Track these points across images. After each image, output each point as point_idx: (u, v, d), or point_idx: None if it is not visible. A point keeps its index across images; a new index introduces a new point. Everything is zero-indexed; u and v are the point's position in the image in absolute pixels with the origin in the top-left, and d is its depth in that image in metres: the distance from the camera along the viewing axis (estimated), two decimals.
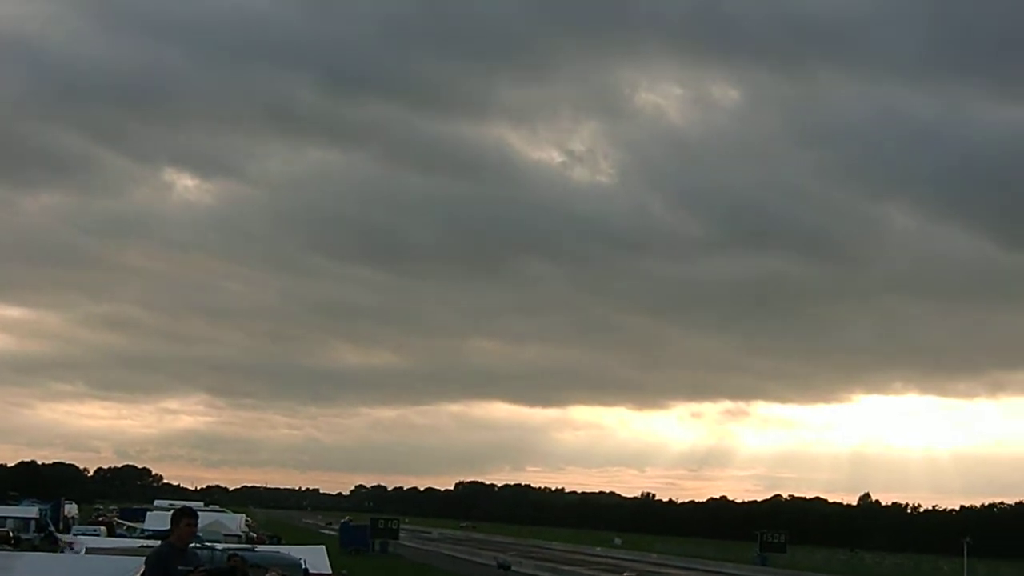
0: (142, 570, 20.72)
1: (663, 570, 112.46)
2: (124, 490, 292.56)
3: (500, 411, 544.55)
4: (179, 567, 11.04)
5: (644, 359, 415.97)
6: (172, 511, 12.40)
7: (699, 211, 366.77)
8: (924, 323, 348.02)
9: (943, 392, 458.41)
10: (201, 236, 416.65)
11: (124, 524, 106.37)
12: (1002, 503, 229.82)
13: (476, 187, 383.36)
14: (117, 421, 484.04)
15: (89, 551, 43.24)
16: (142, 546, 34.78)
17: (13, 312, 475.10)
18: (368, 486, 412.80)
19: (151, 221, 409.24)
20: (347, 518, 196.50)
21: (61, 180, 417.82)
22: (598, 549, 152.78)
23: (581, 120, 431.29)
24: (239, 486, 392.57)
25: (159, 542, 21.67)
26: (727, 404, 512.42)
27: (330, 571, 54.47)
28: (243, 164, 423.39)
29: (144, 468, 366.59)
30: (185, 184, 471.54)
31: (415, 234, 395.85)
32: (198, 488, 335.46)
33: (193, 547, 21.98)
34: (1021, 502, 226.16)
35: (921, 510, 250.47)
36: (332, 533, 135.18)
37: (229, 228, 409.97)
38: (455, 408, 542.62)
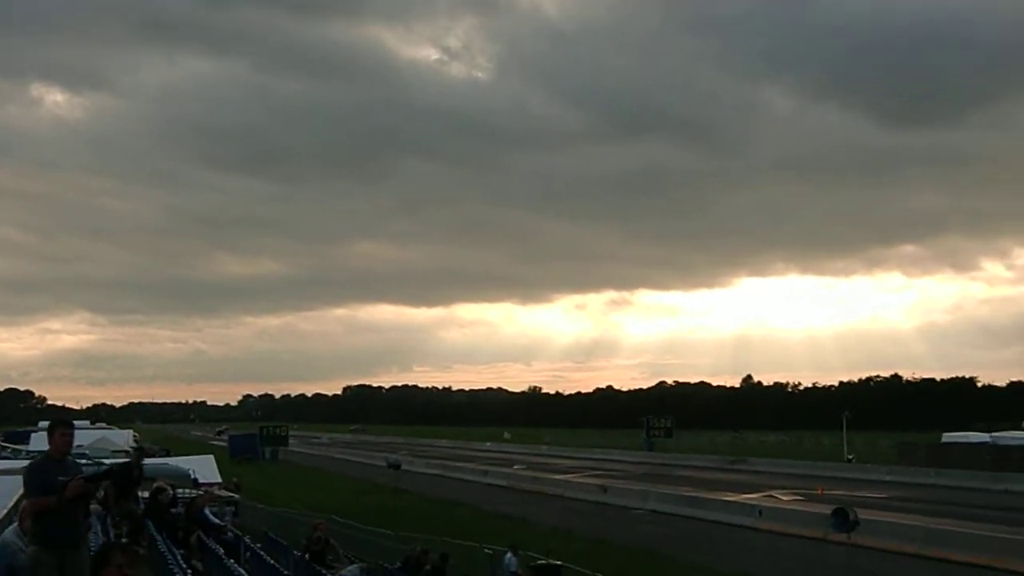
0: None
1: (553, 460, 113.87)
2: (6, 414, 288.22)
3: (386, 313, 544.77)
4: (59, 477, 10.97)
5: (527, 253, 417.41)
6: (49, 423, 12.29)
7: (579, 103, 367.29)
8: (803, 204, 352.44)
9: (822, 271, 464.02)
10: (74, 153, 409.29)
11: (8, 447, 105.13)
12: (878, 376, 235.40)
13: (353, 89, 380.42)
14: None
15: None
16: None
17: None
18: (256, 395, 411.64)
19: (20, 139, 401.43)
20: (224, 427, 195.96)
21: None
22: (488, 444, 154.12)
23: (457, 16, 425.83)
24: (125, 403, 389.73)
25: None
26: (611, 294, 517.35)
27: (219, 480, 54.68)
28: (115, 76, 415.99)
29: (27, 390, 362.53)
30: (55, 99, 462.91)
31: (294, 141, 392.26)
32: (84, 407, 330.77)
33: (85, 463, 21.89)
34: (896, 375, 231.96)
35: (802, 388, 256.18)
36: (222, 444, 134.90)
37: (103, 143, 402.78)
38: (340, 312, 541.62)
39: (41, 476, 11.19)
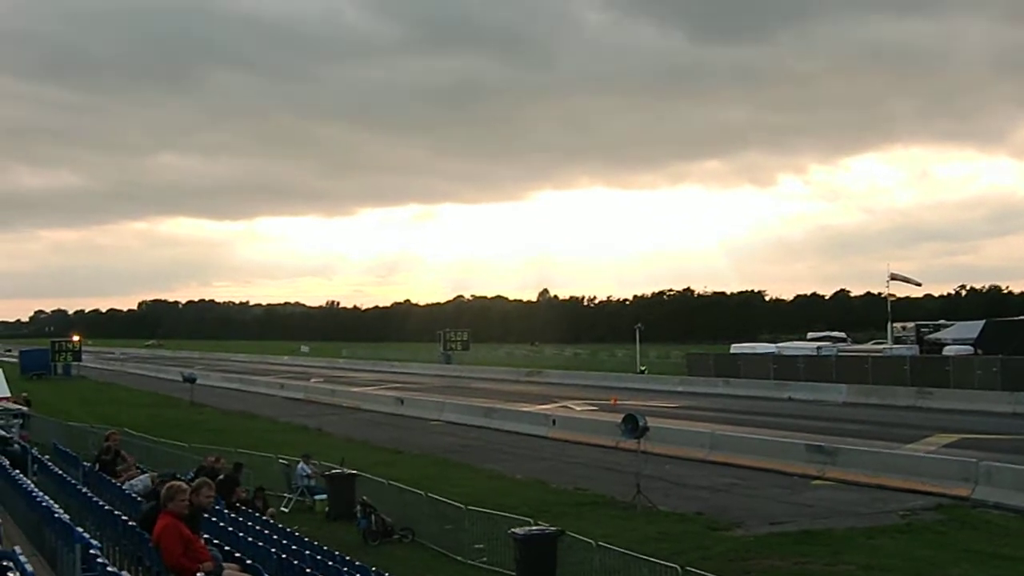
0: None
1: (351, 374, 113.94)
2: None
3: (186, 227, 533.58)
4: None
5: (334, 167, 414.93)
6: None
7: (393, 14, 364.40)
8: (611, 118, 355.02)
9: (628, 186, 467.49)
10: None
11: None
12: (671, 290, 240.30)
13: None
14: None
15: None
16: None
17: None
18: (48, 311, 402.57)
19: None
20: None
21: None
22: (285, 358, 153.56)
23: None
24: None
25: None
26: (415, 208, 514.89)
27: (8, 394, 53.48)
28: None
29: None
30: None
31: (96, 47, 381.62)
32: None
33: None
34: (688, 288, 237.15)
35: (597, 302, 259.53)
36: (13, 360, 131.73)
37: None
38: (140, 226, 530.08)
39: None
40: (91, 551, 11.55)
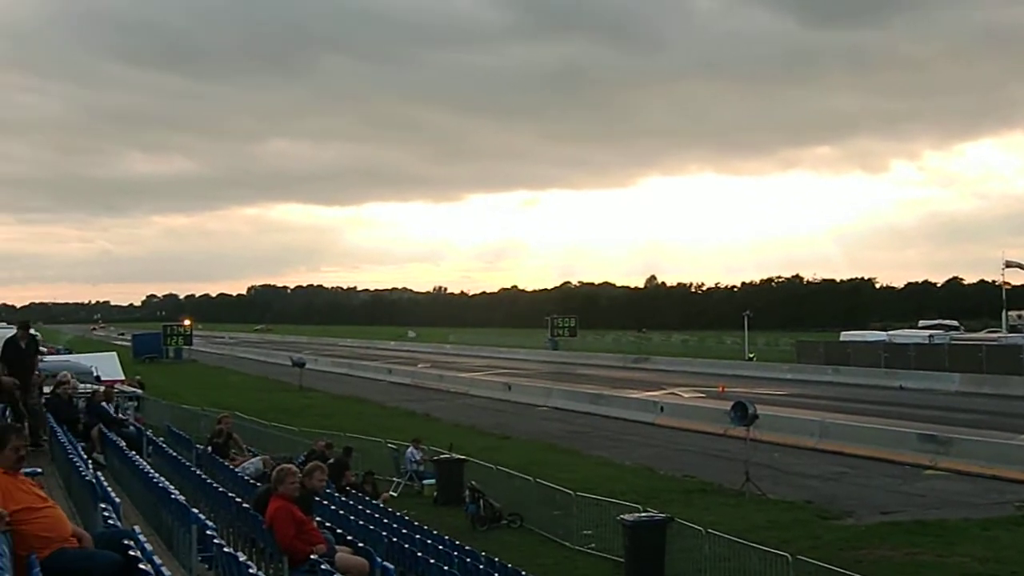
0: None
1: (458, 359, 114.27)
2: None
3: (296, 212, 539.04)
4: None
5: (442, 153, 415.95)
6: None
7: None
8: (721, 104, 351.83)
9: (737, 172, 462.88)
10: None
11: None
12: (780, 277, 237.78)
13: None
14: None
15: None
16: None
17: None
18: (160, 295, 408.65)
19: None
20: (97, 322, 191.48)
21: None
22: (392, 343, 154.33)
23: None
24: (27, 303, 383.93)
25: None
26: (524, 194, 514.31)
27: (123, 377, 54.43)
28: None
29: None
30: None
31: (211, 36, 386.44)
32: None
33: None
34: (797, 275, 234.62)
35: (704, 289, 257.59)
36: (126, 344, 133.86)
37: (9, 34, 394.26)
38: (251, 212, 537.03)
39: None
40: (207, 532, 11.69)
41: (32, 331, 24.43)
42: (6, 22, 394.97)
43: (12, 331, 23.26)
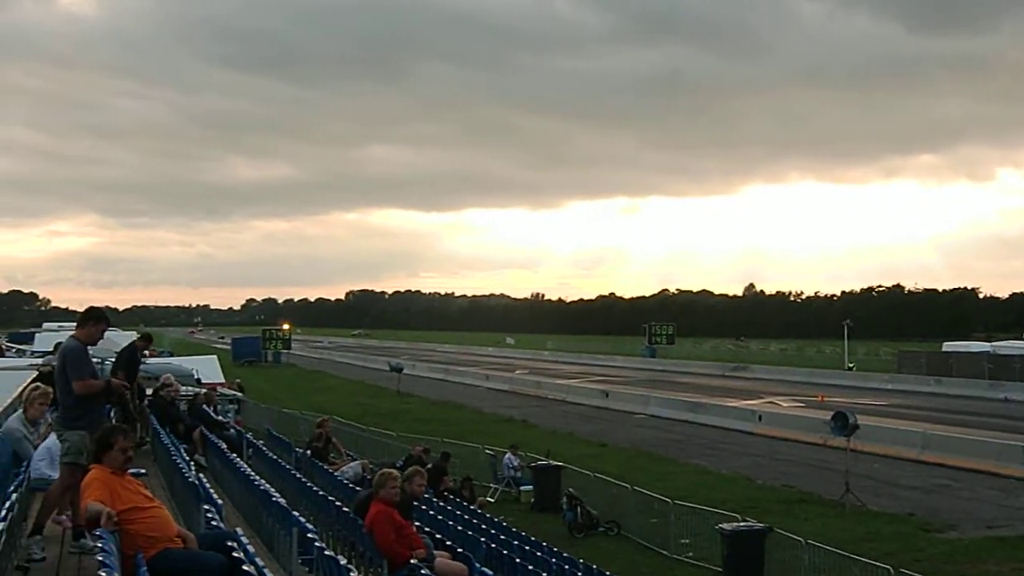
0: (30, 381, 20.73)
1: (555, 366, 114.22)
2: (12, 316, 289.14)
3: (396, 218, 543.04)
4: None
5: (541, 159, 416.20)
6: (85, 311, 12.31)
7: (603, 4, 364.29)
8: (823, 111, 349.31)
9: (839, 180, 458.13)
10: (87, 50, 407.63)
11: (13, 347, 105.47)
12: (880, 286, 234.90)
13: None
14: (4, 246, 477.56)
15: None
16: (30, 365, 34.65)
17: None
18: (259, 299, 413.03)
19: (35, 35, 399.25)
20: (196, 325, 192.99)
21: None
22: (490, 349, 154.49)
23: None
24: (129, 306, 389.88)
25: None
26: (623, 201, 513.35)
27: (223, 379, 54.99)
28: None
29: (31, 293, 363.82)
30: None
31: (312, 42, 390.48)
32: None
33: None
34: (898, 285, 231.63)
35: (804, 297, 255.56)
36: (225, 347, 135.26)
37: (116, 40, 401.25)
38: (351, 217, 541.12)
39: (87, 358, 11.30)
40: (308, 535, 11.75)
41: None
42: (114, 29, 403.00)
43: (119, 334, 23.62)
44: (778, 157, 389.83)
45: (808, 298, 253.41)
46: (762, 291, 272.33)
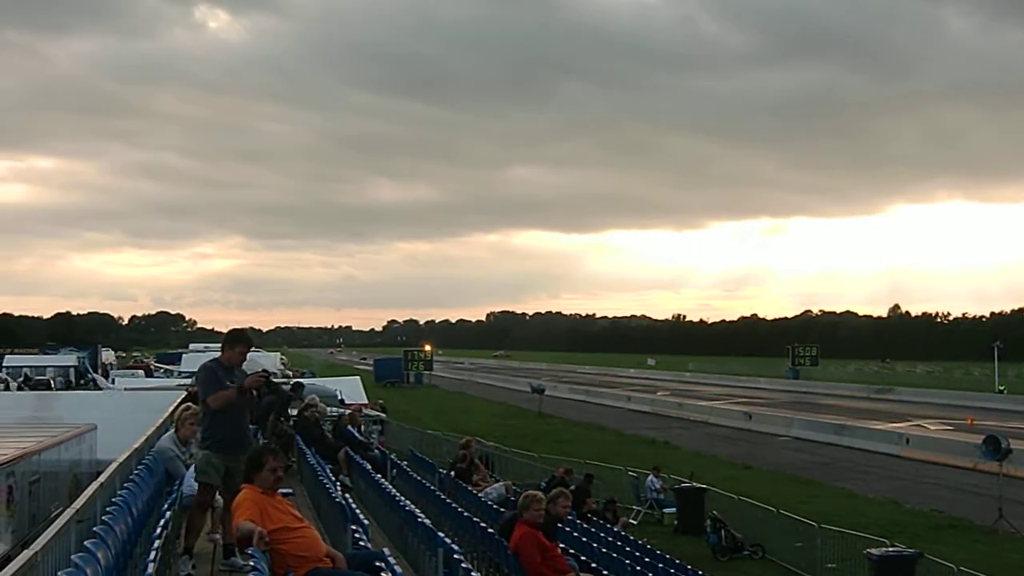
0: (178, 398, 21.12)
1: (697, 387, 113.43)
2: (159, 336, 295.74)
3: (537, 239, 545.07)
4: (228, 382, 11.28)
5: (684, 179, 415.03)
6: (227, 332, 12.55)
7: (747, 23, 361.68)
8: (974, 129, 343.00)
9: (989, 199, 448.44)
10: (236, 76, 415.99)
11: (161, 368, 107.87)
12: None
13: (512, 10, 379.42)
14: (153, 268, 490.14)
15: (128, 391, 44.12)
16: (179, 385, 35.40)
17: (45, 163, 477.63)
18: (401, 321, 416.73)
19: (184, 62, 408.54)
20: (338, 346, 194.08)
21: (91, 24, 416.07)
22: (631, 370, 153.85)
23: None
24: (273, 327, 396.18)
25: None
26: (768, 221, 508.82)
27: (366, 400, 55.48)
28: None
29: (178, 314, 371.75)
30: (219, 20, 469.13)
31: (454, 64, 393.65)
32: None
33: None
34: None
35: (951, 319, 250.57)
36: (367, 368, 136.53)
37: (262, 65, 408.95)
38: (492, 238, 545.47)
39: (218, 375, 11.47)
40: (454, 556, 11.77)
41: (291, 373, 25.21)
42: (263, 56, 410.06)
43: (263, 355, 23.96)
44: (925, 176, 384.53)
45: (956, 319, 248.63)
46: (907, 312, 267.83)
